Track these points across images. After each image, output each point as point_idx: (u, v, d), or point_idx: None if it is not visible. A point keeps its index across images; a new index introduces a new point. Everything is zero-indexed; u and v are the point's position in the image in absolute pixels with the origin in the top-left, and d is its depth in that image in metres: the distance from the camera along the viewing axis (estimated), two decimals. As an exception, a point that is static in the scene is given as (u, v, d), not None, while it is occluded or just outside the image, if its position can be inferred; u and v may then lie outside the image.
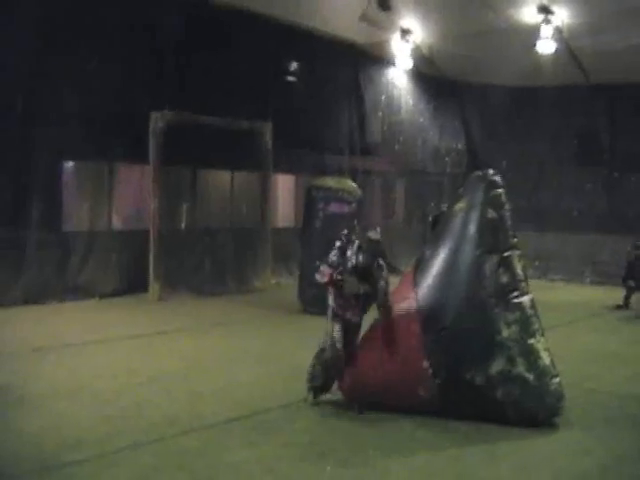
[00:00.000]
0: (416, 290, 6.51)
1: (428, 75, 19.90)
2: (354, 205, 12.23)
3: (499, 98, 19.52)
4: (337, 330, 6.48)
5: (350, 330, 6.60)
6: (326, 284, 6.62)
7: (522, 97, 20.04)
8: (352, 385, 6.56)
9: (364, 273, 6.48)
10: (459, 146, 20.97)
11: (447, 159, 20.73)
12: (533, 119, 20.64)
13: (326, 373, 6.65)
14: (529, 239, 16.40)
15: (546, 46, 16.97)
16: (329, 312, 6.63)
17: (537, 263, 18.34)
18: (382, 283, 6.42)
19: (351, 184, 13.00)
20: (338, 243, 6.64)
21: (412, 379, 6.28)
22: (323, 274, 6.61)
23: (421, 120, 20.19)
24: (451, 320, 6.23)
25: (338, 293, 6.57)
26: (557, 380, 6.27)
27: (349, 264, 6.51)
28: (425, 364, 6.23)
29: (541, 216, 19.83)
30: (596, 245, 18.56)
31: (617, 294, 14.05)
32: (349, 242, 6.64)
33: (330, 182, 12.61)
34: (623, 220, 18.76)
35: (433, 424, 6.19)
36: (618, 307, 13.95)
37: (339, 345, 6.44)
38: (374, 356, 6.49)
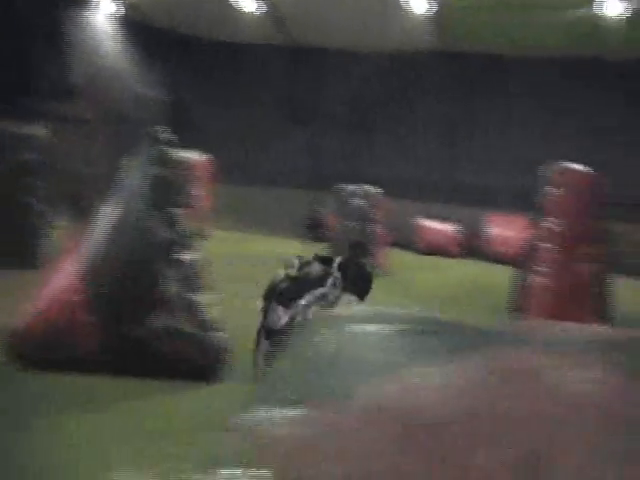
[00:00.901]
0: (83, 246, 6.37)
1: (136, 21, 19.32)
2: (39, 152, 11.38)
3: (203, 52, 19.53)
4: None
5: None
6: None
7: (228, 53, 20.28)
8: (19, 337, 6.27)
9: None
10: (165, 98, 20.65)
11: (152, 110, 20.35)
12: (241, 76, 21.01)
13: None
14: (231, 193, 16.81)
15: (247, 3, 17.19)
16: None
17: (235, 215, 18.78)
18: None
19: (38, 128, 11.98)
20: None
21: (79, 335, 6.15)
22: None
23: (127, 67, 19.53)
24: (115, 276, 6.17)
25: None
26: (220, 334, 6.50)
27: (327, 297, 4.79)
28: (90, 319, 6.14)
29: (250, 171, 20.42)
30: (295, 201, 19.50)
31: (312, 247, 14.88)
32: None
33: (12, 127, 11.52)
34: (322, 177, 19.92)
35: (101, 381, 6.00)
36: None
37: None
38: (43, 311, 6.23)
